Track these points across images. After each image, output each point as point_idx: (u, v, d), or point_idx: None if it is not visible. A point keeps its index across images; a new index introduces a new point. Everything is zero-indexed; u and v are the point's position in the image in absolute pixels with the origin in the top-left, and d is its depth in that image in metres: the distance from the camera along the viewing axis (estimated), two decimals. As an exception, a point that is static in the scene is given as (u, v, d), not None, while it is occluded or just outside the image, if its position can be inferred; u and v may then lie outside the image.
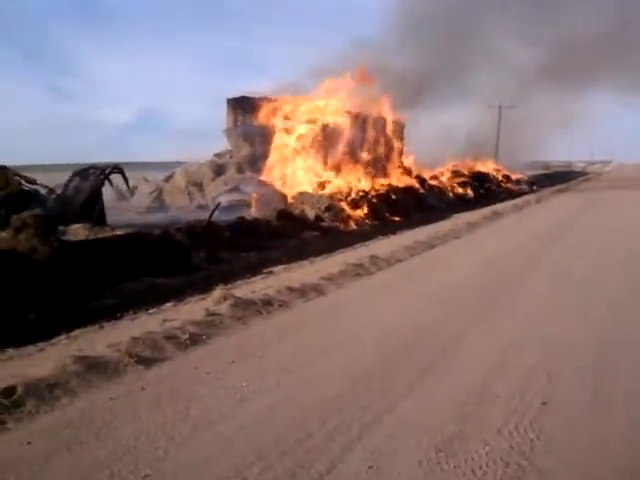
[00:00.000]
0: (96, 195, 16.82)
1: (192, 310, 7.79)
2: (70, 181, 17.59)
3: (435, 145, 38.22)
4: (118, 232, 13.00)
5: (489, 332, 7.07)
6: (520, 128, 57.08)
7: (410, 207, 22.90)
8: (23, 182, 16.54)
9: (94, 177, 17.20)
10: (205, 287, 9.19)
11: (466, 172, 35.86)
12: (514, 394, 5.13)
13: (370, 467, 3.92)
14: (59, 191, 17.31)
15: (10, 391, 4.83)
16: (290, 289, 8.90)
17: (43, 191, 16.93)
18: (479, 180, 35.40)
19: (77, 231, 13.44)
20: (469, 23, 46.93)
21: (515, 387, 5.30)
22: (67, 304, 8.29)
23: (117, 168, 17.49)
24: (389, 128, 29.62)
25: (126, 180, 18.64)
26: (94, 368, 5.51)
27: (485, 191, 34.25)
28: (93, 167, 17.77)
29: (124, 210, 22.46)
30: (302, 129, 26.17)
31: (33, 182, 16.82)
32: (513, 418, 4.65)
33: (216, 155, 28.63)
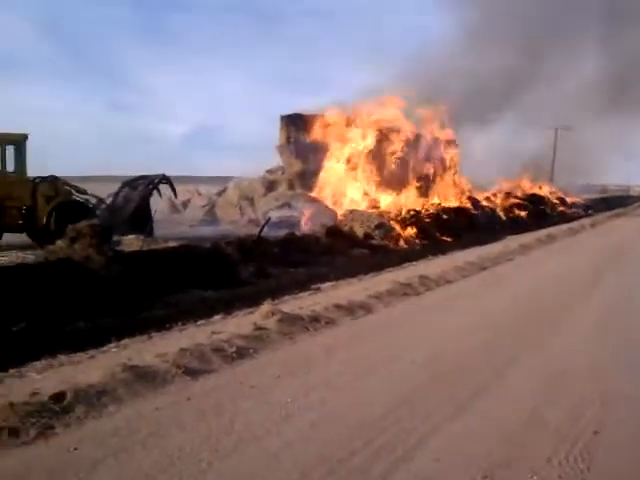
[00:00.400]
0: (145, 205, 17.12)
1: (240, 324, 7.82)
2: (120, 191, 18.01)
3: (489, 166, 37.75)
4: (170, 244, 13.23)
5: (541, 358, 6.87)
6: (577, 151, 55.79)
7: (461, 227, 22.59)
8: (73, 192, 17.04)
9: (143, 187, 17.54)
10: (253, 301, 9.21)
11: (520, 194, 35.23)
12: (565, 421, 4.96)
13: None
14: (109, 201, 17.74)
15: (60, 397, 4.91)
16: (338, 306, 8.85)
17: (93, 201, 17.37)
18: (533, 202, 34.69)
19: (131, 242, 13.74)
20: (529, 42, 46.29)
21: (566, 414, 5.12)
22: (118, 313, 8.43)
23: (165, 178, 17.76)
24: (442, 147, 29.42)
25: (174, 190, 18.85)
26: (142, 377, 5.56)
27: (539, 214, 33.53)
28: (142, 177, 18.13)
29: (176, 223, 22.87)
30: (354, 147, 26.24)
31: (83, 192, 17.32)
32: (563, 446, 4.49)
33: (268, 171, 28.96)
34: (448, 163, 30.58)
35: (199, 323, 8.08)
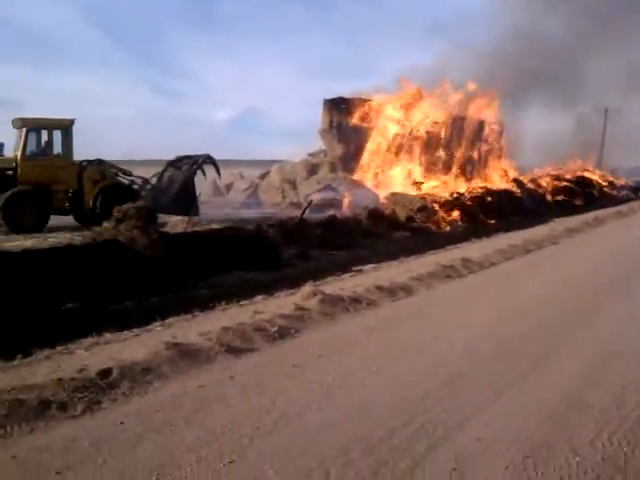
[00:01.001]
0: (190, 185, 17.25)
1: (281, 304, 7.88)
2: (164, 171, 18.17)
3: (536, 148, 36.90)
4: (214, 226, 13.36)
5: (583, 345, 6.74)
6: (627, 132, 54.02)
7: (506, 210, 22.22)
8: (119, 174, 17.34)
9: (187, 167, 17.68)
10: (295, 283, 9.27)
11: (568, 176, 34.40)
12: (609, 406, 4.86)
13: (454, 469, 3.81)
14: (154, 182, 17.95)
15: (106, 373, 5.05)
16: (379, 288, 8.84)
17: (138, 182, 17.63)
18: (581, 185, 33.83)
19: (176, 223, 13.92)
20: (581, 24, 44.90)
21: (610, 399, 5.01)
22: (163, 293, 8.59)
23: (209, 158, 17.84)
24: (488, 130, 28.90)
25: (217, 170, 18.82)
26: (186, 355, 5.67)
27: (587, 196, 32.70)
28: (187, 157, 18.23)
29: (220, 205, 23.07)
30: (397, 130, 26.00)
31: (129, 174, 17.62)
32: (607, 429, 4.41)
33: (310, 154, 28.95)
34: (494, 145, 30.03)
35: (242, 303, 8.17)
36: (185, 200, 16.13)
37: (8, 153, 16.55)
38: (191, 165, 17.55)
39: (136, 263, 9.30)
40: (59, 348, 5.92)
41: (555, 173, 34.25)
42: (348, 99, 27.53)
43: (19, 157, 15.88)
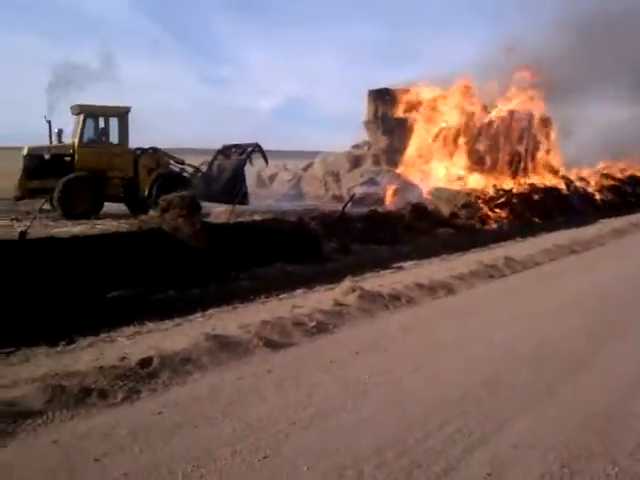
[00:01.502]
0: (239, 174, 17.43)
1: (320, 299, 7.91)
2: (214, 159, 18.40)
3: (586, 145, 35.86)
4: (256, 217, 13.46)
5: (627, 352, 6.57)
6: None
7: (553, 209, 21.75)
8: (172, 162, 17.62)
9: (236, 156, 17.84)
10: (334, 277, 9.28)
11: (618, 175, 33.44)
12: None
13: (489, 474, 3.78)
14: (204, 169, 18.18)
15: (147, 362, 5.17)
16: (419, 285, 8.79)
17: (190, 171, 17.88)
18: (632, 184, 32.85)
19: (219, 213, 14.07)
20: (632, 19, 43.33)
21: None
22: (205, 283, 8.71)
23: (258, 147, 17.97)
24: (535, 124, 28.25)
25: (265, 159, 18.91)
26: (225, 347, 5.75)
27: (637, 197, 31.74)
28: (236, 146, 18.41)
29: (264, 197, 23.20)
30: (443, 123, 25.67)
31: (181, 162, 17.88)
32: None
33: (354, 146, 28.80)
34: (542, 140, 29.35)
35: (281, 296, 8.24)
36: (235, 189, 16.33)
37: (66, 140, 16.98)
38: (240, 154, 17.71)
39: (180, 252, 9.43)
40: (102, 336, 6.09)
41: (605, 171, 33.34)
42: (393, 90, 27.17)
43: (76, 143, 16.29)
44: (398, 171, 24.48)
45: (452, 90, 26.21)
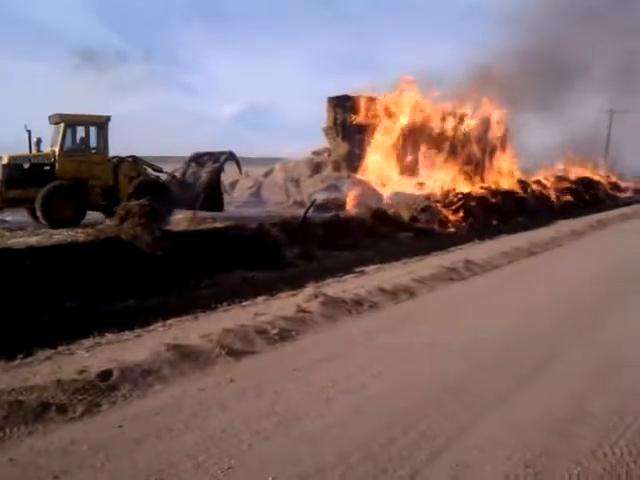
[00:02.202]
0: (217, 182, 17.54)
1: (283, 305, 7.86)
2: (187, 167, 18.39)
3: (540, 149, 36.69)
4: (217, 224, 13.36)
5: (587, 352, 6.70)
6: (632, 134, 53.79)
7: (510, 211, 22.16)
8: (150, 170, 17.48)
9: (211, 164, 17.88)
10: (297, 283, 9.26)
11: (572, 177, 34.29)
12: (610, 415, 4.83)
13: (454, 478, 3.80)
14: (178, 177, 18.13)
15: (107, 375, 5.05)
16: (381, 290, 8.82)
17: (164, 178, 17.79)
18: (585, 186, 33.71)
19: (179, 221, 13.94)
20: (584, 22, 44.68)
21: (613, 407, 4.98)
22: (165, 291, 8.59)
23: (232, 155, 18.00)
24: (492, 129, 28.76)
25: (239, 166, 18.96)
26: (186, 357, 5.66)
27: (591, 198, 32.58)
28: (208, 153, 18.47)
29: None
30: (401, 128, 25.90)
31: (159, 170, 17.76)
32: (608, 439, 4.38)
33: (314, 153, 28.87)
34: (498, 146, 29.87)
35: (243, 304, 8.17)
36: (213, 196, 16.40)
37: (45, 149, 16.63)
38: (214, 162, 17.77)
39: (139, 261, 9.29)
40: (60, 348, 5.92)
41: (559, 174, 34.15)
42: (353, 97, 27.33)
43: (57, 152, 15.98)
44: (359, 177, 24.61)
45: (399, 91, 26.29)
